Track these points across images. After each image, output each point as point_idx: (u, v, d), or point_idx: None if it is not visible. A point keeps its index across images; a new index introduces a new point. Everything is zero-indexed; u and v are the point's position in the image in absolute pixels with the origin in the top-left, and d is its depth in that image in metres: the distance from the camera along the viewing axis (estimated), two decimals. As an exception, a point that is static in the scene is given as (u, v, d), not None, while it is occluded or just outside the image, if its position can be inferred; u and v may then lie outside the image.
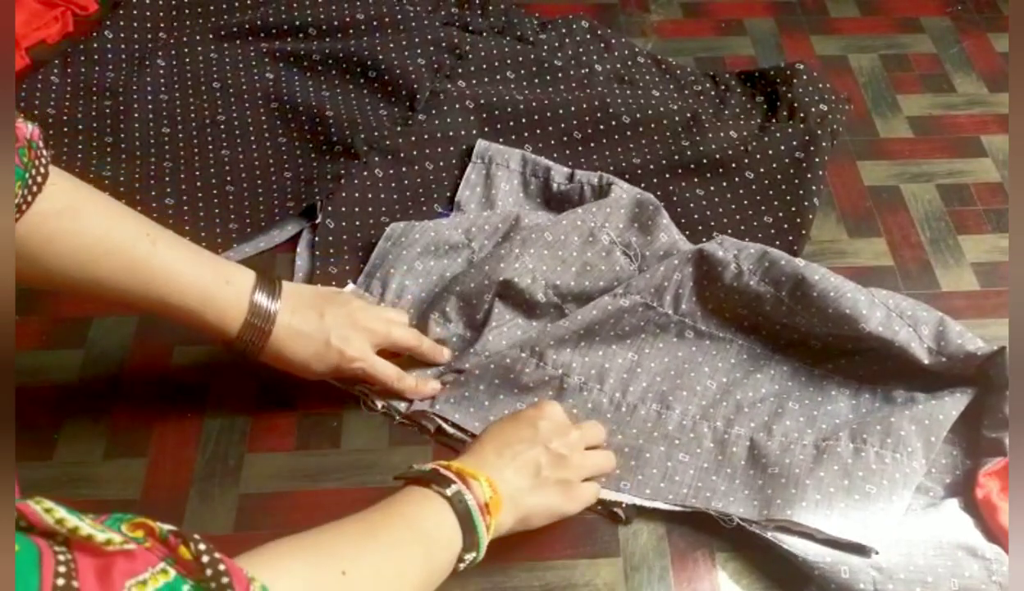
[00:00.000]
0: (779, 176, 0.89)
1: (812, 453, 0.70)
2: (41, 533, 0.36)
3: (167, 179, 0.89)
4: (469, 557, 0.57)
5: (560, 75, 0.97)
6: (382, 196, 0.88)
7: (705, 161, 0.90)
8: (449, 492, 0.57)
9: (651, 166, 0.90)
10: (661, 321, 0.78)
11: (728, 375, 0.76)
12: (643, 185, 0.88)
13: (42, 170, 0.56)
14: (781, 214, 0.87)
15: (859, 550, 0.65)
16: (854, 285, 0.75)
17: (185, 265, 0.64)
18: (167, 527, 0.41)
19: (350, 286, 0.81)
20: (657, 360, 0.77)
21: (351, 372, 0.71)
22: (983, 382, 0.72)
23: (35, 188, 0.56)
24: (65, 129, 0.92)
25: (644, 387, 0.75)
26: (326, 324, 0.69)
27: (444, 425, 0.73)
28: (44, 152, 0.57)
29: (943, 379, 0.73)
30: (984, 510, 0.68)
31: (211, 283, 0.65)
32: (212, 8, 1.04)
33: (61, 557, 0.35)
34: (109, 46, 1.00)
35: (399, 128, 0.93)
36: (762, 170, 0.90)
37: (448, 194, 0.89)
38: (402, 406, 0.74)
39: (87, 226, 0.60)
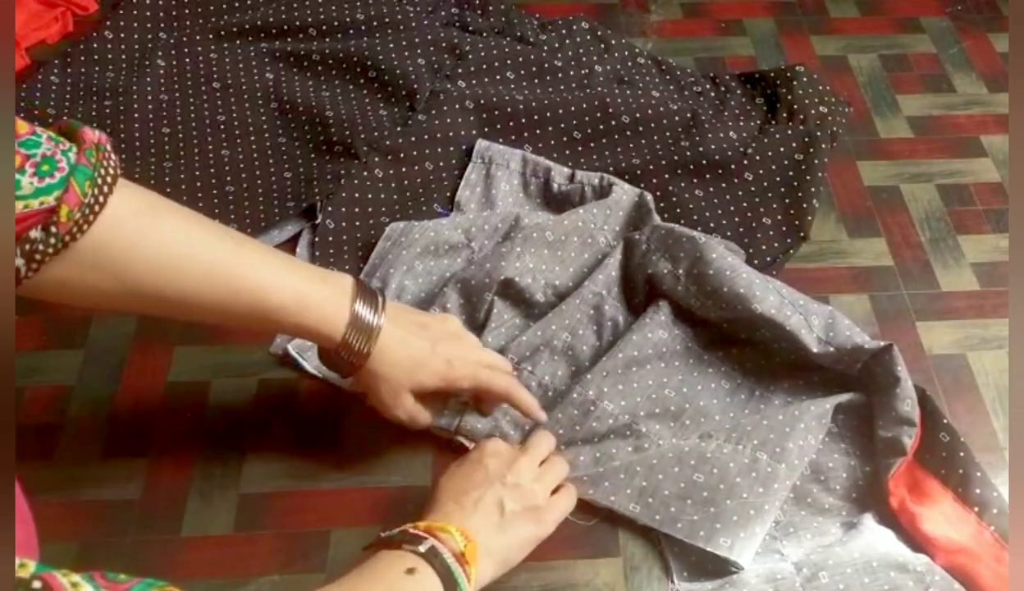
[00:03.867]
0: (778, 178, 0.89)
1: (657, 449, 0.71)
2: None
3: (167, 179, 0.89)
4: None
5: (560, 75, 0.97)
6: (382, 196, 0.88)
7: (705, 162, 0.90)
8: (423, 548, 0.55)
9: (651, 166, 0.90)
10: (595, 302, 0.78)
11: (623, 350, 0.75)
12: (643, 185, 0.88)
13: (112, 171, 0.54)
14: (780, 216, 0.87)
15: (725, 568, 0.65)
16: (751, 269, 0.75)
17: (276, 263, 0.60)
18: None
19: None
20: (589, 344, 0.77)
21: (456, 381, 0.66)
22: (870, 382, 0.73)
23: (105, 188, 0.53)
24: (65, 129, 0.92)
25: (566, 372, 0.76)
26: (432, 336, 0.65)
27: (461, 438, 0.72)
28: (113, 156, 0.54)
29: (828, 380, 0.74)
30: (903, 519, 0.67)
31: (307, 279, 0.61)
32: (212, 8, 1.04)
33: None
34: (109, 46, 1.00)
35: (399, 128, 0.93)
36: (762, 171, 0.90)
37: (448, 194, 0.89)
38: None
39: (170, 228, 0.56)
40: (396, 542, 0.57)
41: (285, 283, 0.60)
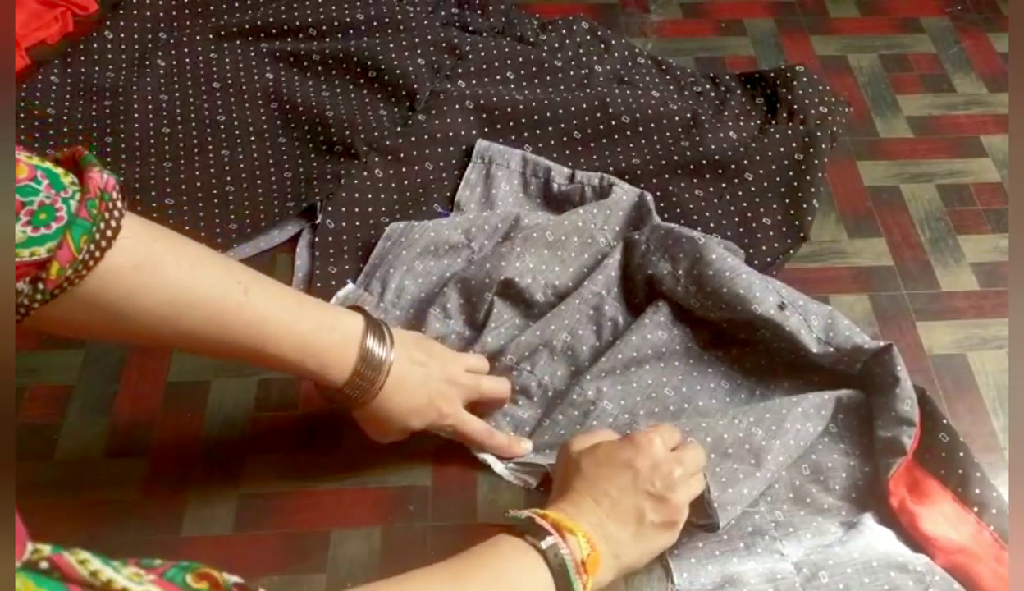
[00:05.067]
0: (778, 177, 0.89)
1: None
2: (78, 584, 0.35)
3: (167, 179, 0.89)
4: None
5: (560, 75, 0.97)
6: (382, 196, 0.88)
7: (705, 162, 0.90)
8: (544, 545, 0.54)
9: (651, 166, 0.90)
10: (594, 302, 0.78)
11: (623, 351, 0.75)
12: (643, 185, 0.88)
13: (112, 224, 0.51)
14: (780, 216, 0.87)
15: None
16: (750, 269, 0.75)
17: (281, 312, 0.59)
18: (232, 579, 0.39)
19: (350, 286, 0.81)
20: (588, 344, 0.77)
21: (440, 429, 0.69)
22: (869, 382, 0.73)
23: (103, 243, 0.51)
24: (65, 129, 0.92)
25: (565, 372, 0.76)
26: (429, 377, 0.66)
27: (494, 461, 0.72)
28: (119, 205, 0.52)
29: (828, 380, 0.74)
30: (903, 519, 0.67)
31: (312, 330, 0.60)
32: (212, 8, 1.04)
33: None
34: (109, 46, 1.00)
35: (399, 128, 0.93)
36: (762, 171, 0.90)
37: (448, 194, 0.89)
38: (498, 465, 0.72)
39: (169, 279, 0.55)
40: (519, 529, 0.55)
41: (287, 336, 0.59)
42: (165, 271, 0.55)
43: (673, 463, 0.61)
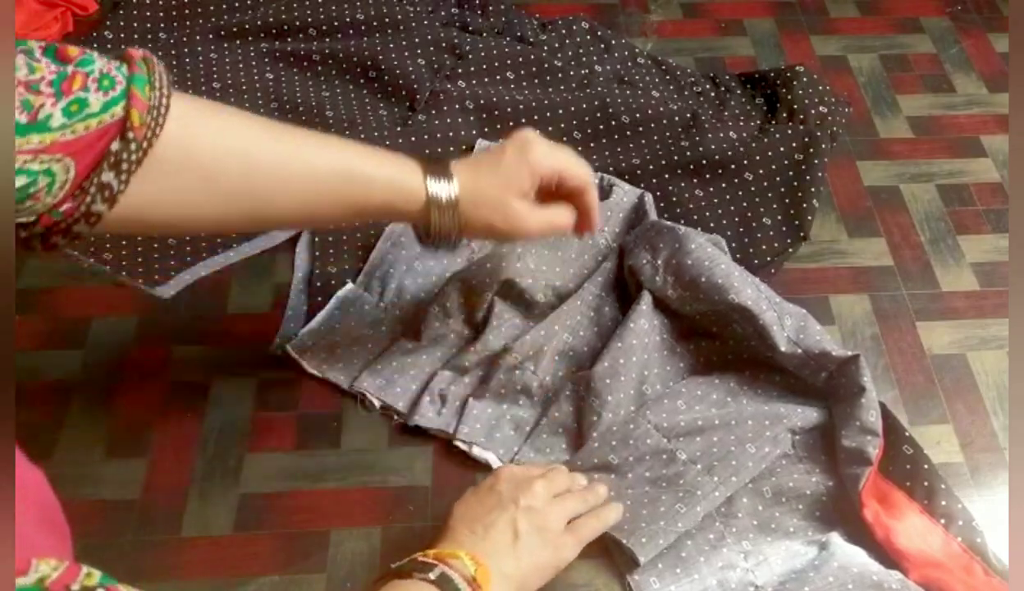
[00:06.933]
0: (778, 177, 0.89)
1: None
2: None
3: (167, 179, 0.89)
4: None
5: (560, 75, 0.97)
6: (382, 196, 0.88)
7: (705, 162, 0.90)
8: (433, 575, 0.55)
9: (651, 166, 0.90)
10: (595, 303, 0.78)
11: (610, 350, 0.75)
12: (643, 185, 0.88)
13: (164, 76, 0.53)
14: (780, 216, 0.87)
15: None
16: (730, 261, 0.75)
17: (345, 141, 0.60)
18: None
19: (350, 286, 0.81)
20: (590, 345, 0.77)
21: (546, 171, 0.64)
22: (832, 393, 0.72)
23: (165, 90, 0.52)
24: (65, 129, 0.92)
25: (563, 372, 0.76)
26: (503, 147, 0.64)
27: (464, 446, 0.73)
28: (160, 64, 0.53)
29: (790, 385, 0.74)
30: (878, 532, 0.66)
31: (391, 170, 0.60)
32: (212, 8, 1.04)
33: None
34: (109, 46, 1.00)
35: (399, 128, 0.93)
36: (762, 171, 0.90)
37: (448, 194, 0.89)
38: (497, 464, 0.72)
39: (241, 118, 0.56)
40: (406, 572, 0.56)
41: (366, 152, 0.60)
42: (231, 113, 0.56)
43: (533, 478, 0.64)
